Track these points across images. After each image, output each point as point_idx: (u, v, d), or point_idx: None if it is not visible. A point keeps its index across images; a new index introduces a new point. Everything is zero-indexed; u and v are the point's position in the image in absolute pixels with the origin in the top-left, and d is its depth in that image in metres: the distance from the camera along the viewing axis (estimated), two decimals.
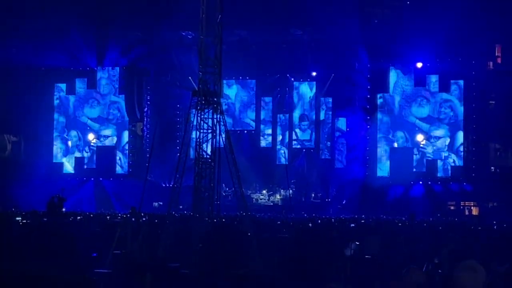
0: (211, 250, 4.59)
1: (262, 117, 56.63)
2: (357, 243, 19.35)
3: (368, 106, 52.39)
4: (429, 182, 50.57)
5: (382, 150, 52.16)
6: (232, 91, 55.98)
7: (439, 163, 50.92)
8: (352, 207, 49.30)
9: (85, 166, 55.46)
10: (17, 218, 33.86)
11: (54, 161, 55.35)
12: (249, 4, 47.14)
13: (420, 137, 51.50)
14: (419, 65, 50.97)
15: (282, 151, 54.54)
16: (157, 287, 16.32)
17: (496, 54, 51.13)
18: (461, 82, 50.99)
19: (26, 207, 43.13)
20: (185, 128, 26.09)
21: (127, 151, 55.96)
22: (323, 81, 53.16)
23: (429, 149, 51.35)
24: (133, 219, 27.37)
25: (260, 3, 48.70)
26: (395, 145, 51.89)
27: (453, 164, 50.83)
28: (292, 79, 54.89)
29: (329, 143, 53.82)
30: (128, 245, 23.63)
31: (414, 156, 51.43)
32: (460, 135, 50.97)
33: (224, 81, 47.19)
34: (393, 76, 52.03)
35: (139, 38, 52.85)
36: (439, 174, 50.86)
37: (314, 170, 53.74)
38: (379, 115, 52.01)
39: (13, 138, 56.20)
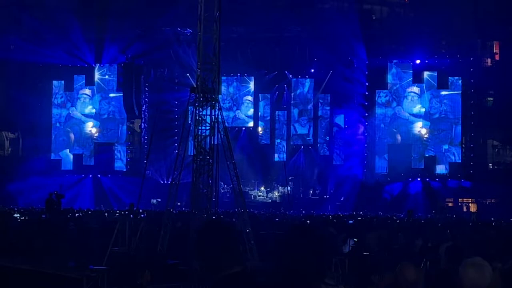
0: (206, 246, 4.52)
1: (260, 113, 56.64)
2: (355, 239, 19.39)
3: (366, 103, 52.43)
4: (427, 179, 50.60)
5: (380, 146, 52.19)
6: (230, 88, 55.97)
7: (437, 159, 50.96)
8: (350, 204, 49.33)
9: (83, 163, 55.43)
10: (15, 215, 33.93)
11: (52, 157, 55.32)
12: (247, 1, 47.15)
13: (418, 134, 51.54)
14: (417, 61, 50.99)
15: (281, 147, 54.47)
16: (156, 284, 16.33)
17: (494, 51, 51.18)
18: (459, 78, 51.03)
19: (25, 204, 43.23)
20: (183, 125, 26.09)
21: (125, 148, 55.97)
22: (322, 78, 53.13)
23: (428, 146, 51.38)
24: (131, 215, 27.38)
25: (258, 0, 48.70)
26: (394, 141, 51.88)
27: (451, 161, 50.87)
28: (291, 76, 54.88)
29: (327, 137, 53.77)
30: (127, 241, 23.65)
31: (412, 152, 51.46)
32: (458, 132, 51.01)
33: (223, 78, 47.19)
34: (391, 72, 52.04)
35: (138, 35, 52.80)
36: (437, 171, 50.91)
37: (312, 166, 53.74)
38: (377, 112, 52.03)
39: (11, 135, 56.18)
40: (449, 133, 51.04)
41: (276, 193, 53.07)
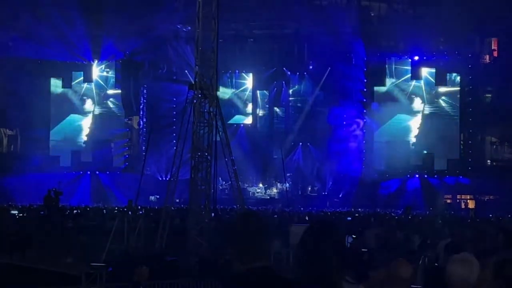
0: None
1: (258, 110, 56.67)
2: (353, 236, 19.38)
3: (364, 99, 52.43)
4: (425, 175, 50.60)
5: (378, 143, 52.19)
6: (228, 85, 56.00)
7: (436, 156, 50.95)
8: (349, 201, 49.33)
9: (82, 160, 55.39)
10: (13, 212, 33.91)
11: (50, 154, 55.28)
12: None
13: (416, 130, 51.59)
14: (416, 58, 50.99)
15: (279, 143, 54.45)
16: (154, 280, 16.32)
17: (492, 47, 51.19)
18: (458, 75, 51.05)
19: (23, 201, 43.19)
20: (181, 121, 26.06)
21: (123, 145, 55.98)
22: (320, 74, 53.11)
23: (426, 142, 51.40)
24: (129, 212, 27.39)
25: None
26: (392, 138, 51.88)
27: (449, 158, 50.89)
28: (289, 72, 54.86)
29: (326, 134, 53.72)
30: (125, 238, 23.65)
31: (410, 149, 51.49)
32: (457, 128, 51.04)
33: (221, 75, 47.14)
34: (389, 69, 52.04)
35: (136, 31, 52.71)
36: (435, 167, 50.92)
37: (310, 163, 53.75)
38: (375, 108, 52.02)
39: (9, 131, 56.13)
40: (447, 129, 51.02)
41: (274, 190, 53.08)
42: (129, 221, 24.27)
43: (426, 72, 51.55)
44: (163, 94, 55.32)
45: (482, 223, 26.79)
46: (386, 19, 50.49)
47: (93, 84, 55.93)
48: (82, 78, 55.95)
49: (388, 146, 51.78)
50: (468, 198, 50.60)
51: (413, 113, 52.02)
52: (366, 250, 16.25)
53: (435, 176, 50.70)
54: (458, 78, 51.17)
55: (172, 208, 27.23)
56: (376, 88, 52.55)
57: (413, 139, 51.80)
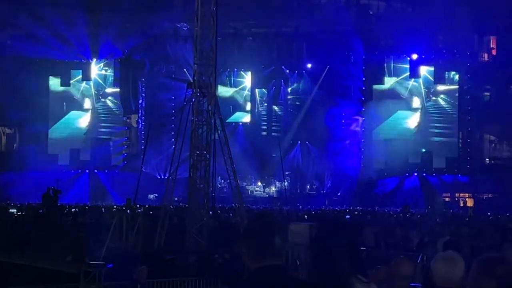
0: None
1: (257, 108, 56.66)
2: None
3: (363, 98, 52.42)
4: (424, 174, 50.62)
5: (377, 141, 52.18)
6: (227, 83, 56.00)
7: (434, 154, 50.98)
8: (347, 199, 49.36)
9: (80, 158, 55.38)
10: (11, 210, 33.91)
11: (49, 152, 55.23)
12: None
13: (415, 129, 51.61)
14: (414, 56, 50.99)
15: (278, 142, 54.44)
16: (153, 279, 16.33)
17: (491, 46, 51.19)
18: (456, 73, 51.08)
19: (21, 199, 43.17)
20: (180, 120, 26.06)
21: (122, 143, 55.98)
22: (319, 72, 53.09)
23: (424, 141, 51.44)
24: (128, 211, 27.39)
25: None
26: (391, 136, 51.88)
27: (448, 156, 50.90)
28: (287, 71, 54.86)
29: (324, 132, 53.69)
30: (124, 237, 23.66)
31: (409, 147, 51.49)
32: (455, 127, 51.05)
33: (219, 73, 47.15)
34: (388, 67, 52.04)
35: (134, 30, 52.66)
36: (434, 166, 50.93)
37: (309, 161, 53.76)
38: (374, 107, 52.01)
39: (8, 130, 56.09)
40: (446, 128, 51.04)
41: (273, 188, 53.11)
42: (128, 219, 24.29)
43: (424, 70, 51.56)
44: (161, 93, 55.27)
45: (480, 221, 26.85)
46: (385, 17, 50.46)
47: (91, 82, 55.91)
48: (80, 76, 55.92)
49: (387, 144, 51.76)
50: (467, 196, 50.65)
51: (411, 111, 52.03)
52: (364, 248, 16.27)
53: (434, 174, 50.71)
54: (457, 77, 51.21)
55: (171, 206, 27.26)
56: (374, 87, 52.55)
57: (411, 138, 51.78)
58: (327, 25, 49.12)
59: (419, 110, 51.88)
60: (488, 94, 51.23)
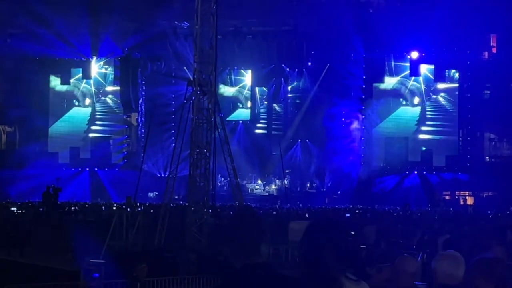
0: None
1: (257, 107, 56.65)
2: (352, 232, 19.38)
3: (363, 96, 52.41)
4: (424, 172, 50.61)
5: (377, 140, 52.17)
6: (227, 81, 56.00)
7: (434, 152, 50.96)
8: (347, 197, 49.34)
9: (80, 156, 55.39)
10: (12, 209, 33.93)
11: (49, 151, 55.24)
12: None
13: (415, 127, 51.58)
14: (414, 55, 50.97)
15: (278, 140, 54.44)
16: (153, 277, 16.34)
17: (491, 44, 51.15)
18: (456, 71, 51.06)
19: (22, 198, 43.18)
20: (180, 118, 26.07)
21: (122, 141, 55.98)
22: (319, 71, 53.07)
23: (424, 139, 51.44)
24: (128, 209, 27.39)
25: None
26: (391, 134, 51.88)
27: (448, 154, 50.88)
28: (288, 69, 54.84)
29: (325, 131, 53.70)
30: (124, 235, 23.67)
31: (409, 145, 51.49)
32: (455, 125, 51.04)
33: (219, 71, 47.15)
34: (388, 66, 52.02)
35: (134, 28, 52.66)
36: (434, 164, 50.92)
37: (309, 159, 53.74)
38: (374, 105, 52.01)
39: (8, 128, 56.10)
40: (446, 126, 51.04)
41: (273, 186, 53.11)
42: (128, 217, 24.30)
43: (425, 68, 51.54)
44: (162, 91, 55.27)
45: (481, 219, 26.83)
46: (385, 15, 50.40)
47: (91, 81, 55.91)
48: (80, 75, 55.92)
49: (387, 142, 51.79)
50: (467, 194, 50.65)
51: (412, 109, 52.00)
52: (364, 246, 16.25)
53: (434, 172, 50.70)
54: (457, 75, 51.19)
55: (171, 204, 27.25)
56: (375, 85, 52.52)
57: (411, 136, 51.77)
58: (327, 24, 49.06)
59: (419, 108, 51.85)
60: (488, 92, 51.17)
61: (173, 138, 46.16)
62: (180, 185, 33.53)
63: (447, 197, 50.48)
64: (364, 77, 52.28)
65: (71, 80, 56.08)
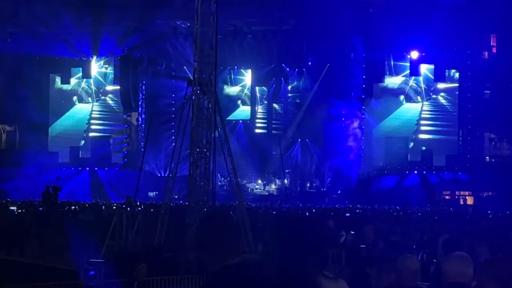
0: (205, 238, 4.50)
1: (257, 106, 56.66)
2: (352, 232, 19.39)
3: (363, 96, 52.40)
4: (424, 172, 50.61)
5: (377, 139, 52.18)
6: (227, 81, 56.02)
7: (434, 152, 50.96)
8: (347, 197, 49.35)
9: (80, 156, 55.40)
10: (12, 208, 33.92)
11: (49, 150, 55.25)
12: None
13: (415, 127, 51.58)
14: (415, 54, 50.97)
15: (278, 140, 54.41)
16: (153, 276, 16.34)
17: (491, 43, 51.13)
18: (457, 71, 51.06)
19: (21, 197, 43.17)
20: (180, 117, 26.08)
21: (122, 141, 56.00)
22: (319, 70, 53.06)
23: (424, 139, 51.45)
24: (128, 208, 27.39)
25: None
26: (391, 134, 51.88)
27: (448, 154, 50.88)
28: (288, 68, 54.84)
29: (324, 130, 53.68)
30: (124, 234, 23.67)
31: (409, 145, 51.51)
32: (455, 125, 51.04)
33: (220, 71, 47.15)
34: (388, 65, 52.02)
35: (135, 27, 52.65)
36: (434, 164, 50.91)
37: (309, 159, 53.75)
38: (374, 104, 52.02)
39: (8, 128, 56.11)
40: (446, 125, 51.05)
41: (273, 186, 53.13)
42: (128, 217, 24.30)
43: (425, 68, 51.54)
44: (162, 90, 55.31)
45: (480, 219, 26.83)
46: (385, 15, 50.39)
47: (91, 80, 55.94)
48: (81, 74, 55.97)
49: (387, 142, 51.80)
50: (467, 194, 50.62)
51: (412, 109, 52.00)
52: (364, 246, 16.25)
53: (434, 172, 50.68)
54: (457, 75, 51.20)
55: (171, 204, 27.25)
56: (375, 84, 52.53)
57: (411, 135, 51.79)
58: (327, 23, 49.03)
59: (419, 108, 51.84)
60: (488, 92, 51.15)
61: (173, 137, 46.16)
62: (180, 185, 33.51)
63: (447, 197, 50.47)
64: (364, 77, 52.27)
65: (71, 80, 56.12)
